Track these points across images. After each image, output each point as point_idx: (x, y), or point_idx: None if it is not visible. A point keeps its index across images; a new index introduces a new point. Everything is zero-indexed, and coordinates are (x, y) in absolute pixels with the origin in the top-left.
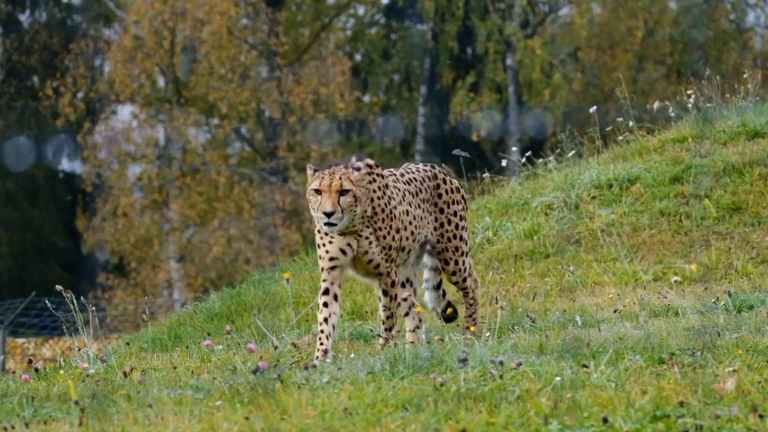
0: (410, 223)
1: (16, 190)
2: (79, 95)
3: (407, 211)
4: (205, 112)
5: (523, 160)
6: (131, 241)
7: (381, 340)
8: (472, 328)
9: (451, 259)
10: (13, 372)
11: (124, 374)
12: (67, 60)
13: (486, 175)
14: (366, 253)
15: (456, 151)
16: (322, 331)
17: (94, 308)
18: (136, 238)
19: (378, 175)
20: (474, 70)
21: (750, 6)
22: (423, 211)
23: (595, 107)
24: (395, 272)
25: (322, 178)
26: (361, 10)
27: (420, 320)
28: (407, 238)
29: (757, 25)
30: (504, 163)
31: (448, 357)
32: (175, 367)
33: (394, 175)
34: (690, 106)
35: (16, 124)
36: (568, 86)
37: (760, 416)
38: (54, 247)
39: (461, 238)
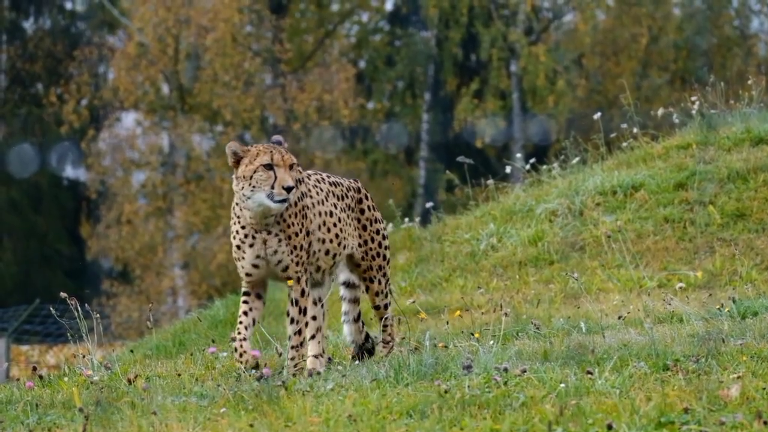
0: (334, 225)
1: (20, 198)
2: (83, 102)
3: (331, 212)
4: (209, 119)
5: (528, 166)
6: (135, 248)
7: (288, 361)
8: None
9: (375, 277)
10: (18, 379)
11: (129, 381)
12: (71, 67)
13: (490, 181)
14: (275, 252)
15: (460, 158)
16: (240, 322)
17: (98, 315)
18: (140, 245)
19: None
20: (478, 76)
21: (754, 12)
22: (348, 217)
23: (599, 114)
24: (306, 281)
25: (272, 152)
26: (365, 17)
27: (324, 349)
28: (332, 240)
29: (761, 31)
30: (508, 169)
31: (453, 364)
32: (179, 375)
33: (319, 174)
34: (694, 112)
35: (20, 131)
36: (572, 93)
37: (765, 423)
38: (58, 254)
39: (384, 258)
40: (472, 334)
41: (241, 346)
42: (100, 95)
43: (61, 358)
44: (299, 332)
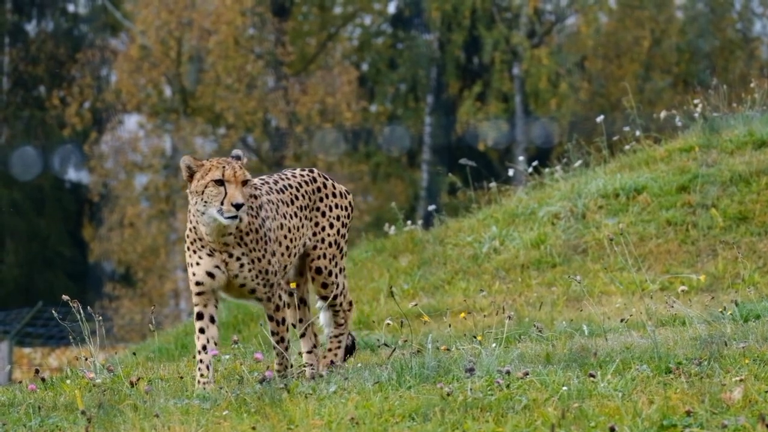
0: (285, 237)
1: (22, 200)
2: (86, 105)
3: (282, 225)
4: (212, 121)
5: (530, 169)
6: (138, 251)
7: (276, 366)
8: (333, 358)
9: (325, 268)
10: (20, 382)
11: (131, 384)
12: (74, 70)
13: (493, 184)
14: (236, 276)
15: (463, 161)
16: (201, 361)
17: (100, 318)
18: (142, 247)
19: (254, 188)
20: (480, 79)
21: (756, 15)
22: (300, 219)
23: (601, 117)
24: (278, 295)
25: (224, 167)
26: (367, 20)
27: (316, 337)
28: (283, 254)
29: (763, 34)
30: (511, 172)
31: (455, 367)
32: (181, 377)
33: (267, 184)
34: (697, 115)
35: (23, 133)
36: (574, 96)
37: (767, 426)
38: (61, 256)
39: (339, 248)
40: (475, 337)
41: (207, 383)
42: (103, 98)
43: (64, 361)
44: (282, 340)
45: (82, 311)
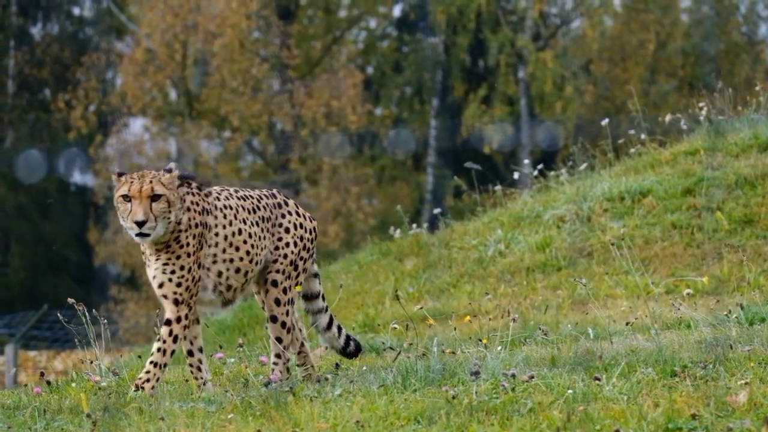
0: (245, 242)
1: (27, 203)
2: (91, 108)
3: (240, 230)
4: (217, 125)
5: (535, 172)
6: None
7: (144, 374)
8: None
9: (280, 283)
10: (25, 385)
11: (136, 387)
12: (79, 73)
13: (498, 187)
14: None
15: (468, 164)
16: (190, 365)
17: (105, 321)
18: None
19: (195, 194)
20: (486, 82)
21: (762, 18)
22: (261, 230)
23: (606, 120)
24: (189, 306)
25: (131, 182)
26: (372, 23)
27: (301, 332)
28: (242, 258)
29: None
30: (516, 175)
31: (460, 370)
32: (187, 380)
33: (227, 190)
34: (702, 118)
35: (28, 136)
36: (579, 99)
37: None
38: (66, 260)
39: (295, 266)
40: (480, 340)
41: (204, 384)
42: (108, 101)
43: (69, 364)
44: (163, 352)
45: (87, 314)
